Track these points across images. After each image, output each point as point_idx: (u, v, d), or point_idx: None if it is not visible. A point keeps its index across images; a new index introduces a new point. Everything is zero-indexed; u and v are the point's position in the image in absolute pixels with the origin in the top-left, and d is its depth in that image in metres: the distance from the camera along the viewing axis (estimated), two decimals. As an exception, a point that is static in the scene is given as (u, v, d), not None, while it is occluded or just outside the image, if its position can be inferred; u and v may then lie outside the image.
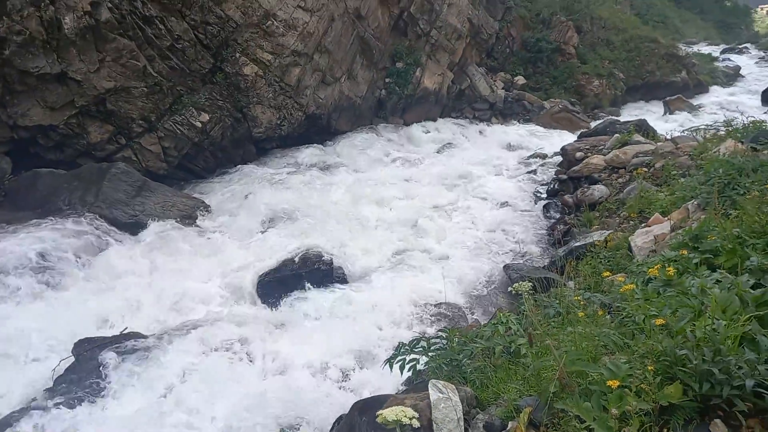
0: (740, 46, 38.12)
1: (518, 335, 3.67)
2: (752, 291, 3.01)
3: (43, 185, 9.90)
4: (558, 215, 10.56)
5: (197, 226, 9.95)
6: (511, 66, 22.32)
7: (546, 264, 8.41)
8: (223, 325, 6.70)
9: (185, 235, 9.37)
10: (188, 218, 10.16)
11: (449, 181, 13.29)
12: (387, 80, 18.18)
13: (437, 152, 16.48)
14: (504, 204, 11.91)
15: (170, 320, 7.04)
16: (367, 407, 3.01)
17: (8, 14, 9.55)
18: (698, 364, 2.31)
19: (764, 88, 21.52)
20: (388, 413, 1.58)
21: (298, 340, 6.50)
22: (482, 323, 5.81)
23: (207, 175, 13.01)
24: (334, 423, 3.93)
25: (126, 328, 6.61)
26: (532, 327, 3.66)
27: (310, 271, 8.16)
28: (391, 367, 3.56)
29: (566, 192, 11.06)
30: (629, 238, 6.40)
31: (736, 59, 32.84)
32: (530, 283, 3.41)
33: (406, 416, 1.59)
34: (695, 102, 22.12)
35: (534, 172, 13.95)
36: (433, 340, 3.66)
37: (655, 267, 3.92)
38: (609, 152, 10.89)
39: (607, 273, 4.73)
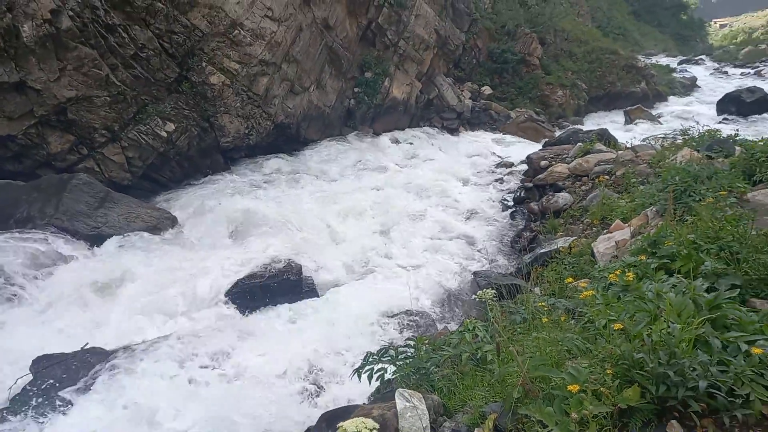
0: (696, 58, 39.75)
1: (485, 342, 3.72)
2: (706, 295, 3.13)
3: (0, 197, 9.55)
4: (524, 222, 10.76)
5: (163, 237, 9.76)
6: (478, 76, 22.71)
7: (513, 270, 8.55)
8: (189, 337, 6.57)
9: (150, 246, 9.18)
10: (153, 230, 9.95)
11: (418, 189, 13.39)
12: (356, 90, 18.26)
13: (406, 161, 16.59)
14: (472, 212, 12.06)
15: (134, 334, 6.86)
16: (335, 418, 3.00)
17: (-38, 21, 9.25)
18: (654, 367, 2.39)
19: (719, 98, 22.40)
20: (349, 425, 1.58)
21: (266, 351, 6.43)
22: (452, 330, 5.86)
23: (173, 185, 12.77)
24: (303, 435, 3.90)
25: (87, 344, 6.41)
26: (498, 334, 3.71)
27: (279, 282, 8.08)
28: (359, 376, 3.55)
29: (532, 200, 11.28)
30: (592, 244, 6.57)
31: (693, 70, 34.22)
32: (494, 291, 3.46)
33: (366, 427, 1.59)
34: (654, 111, 22.90)
35: (501, 180, 14.18)
36: (401, 349, 3.68)
37: (615, 272, 4.03)
38: (572, 161, 11.16)
39: (570, 279, 4.84)
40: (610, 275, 4.10)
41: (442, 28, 20.51)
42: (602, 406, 2.29)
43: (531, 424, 2.47)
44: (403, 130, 19.30)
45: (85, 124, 10.88)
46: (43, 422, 5.11)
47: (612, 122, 21.45)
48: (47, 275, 7.88)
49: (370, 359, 3.56)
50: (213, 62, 13.00)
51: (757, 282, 3.75)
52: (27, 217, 9.11)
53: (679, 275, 4.02)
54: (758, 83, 25.96)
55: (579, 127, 18.34)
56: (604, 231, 7.05)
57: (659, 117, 21.98)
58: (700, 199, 5.85)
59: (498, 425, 2.57)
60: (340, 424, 1.61)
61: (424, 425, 2.58)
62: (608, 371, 2.42)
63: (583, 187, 10.15)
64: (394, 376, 3.61)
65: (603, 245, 6.34)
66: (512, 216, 11.32)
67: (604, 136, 12.70)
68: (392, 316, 7.38)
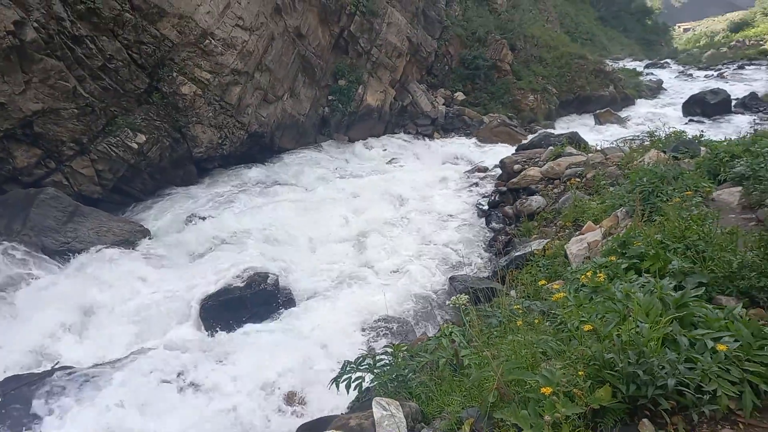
0: (662, 62, 40.85)
1: (462, 347, 3.74)
2: (673, 293, 3.21)
3: (-36, 214, 9.27)
4: (499, 226, 10.87)
5: (135, 251, 9.58)
6: (451, 82, 22.92)
7: (489, 274, 8.62)
8: (163, 354, 6.46)
9: (122, 261, 9.00)
10: (125, 243, 9.77)
11: (395, 196, 13.42)
12: (330, 98, 18.26)
13: (382, 168, 16.61)
14: (448, 217, 12.14)
15: (106, 351, 6.71)
16: (313, 430, 2.99)
17: None
18: (624, 366, 2.44)
19: (684, 100, 23.04)
20: (325, 436, 1.58)
21: (242, 364, 6.35)
22: (430, 336, 5.87)
23: (145, 197, 12.56)
24: (282, 447, 3.86)
25: (57, 363, 6.26)
26: (474, 338, 3.74)
27: (254, 293, 8.00)
28: (337, 386, 3.54)
29: (506, 203, 11.41)
30: (565, 246, 6.68)
31: (659, 73, 35.12)
32: (467, 296, 3.49)
33: (342, 438, 1.59)
34: (623, 114, 23.41)
35: (476, 184, 14.31)
36: (379, 357, 3.68)
37: (587, 274, 4.11)
38: (544, 164, 11.34)
39: (543, 281, 4.91)
40: (582, 276, 4.18)
41: (414, 36, 20.69)
42: (575, 407, 2.32)
43: (507, 427, 2.49)
44: (378, 137, 19.37)
45: (52, 137, 10.64)
46: (11, 446, 4.96)
47: (582, 125, 21.86)
48: (15, 293, 7.66)
49: (348, 368, 3.56)
50: (184, 72, 12.87)
51: (722, 279, 3.87)
52: (-7, 233, 8.85)
53: (648, 274, 4.13)
54: (721, 85, 26.78)
55: (550, 130, 18.65)
56: (577, 233, 7.18)
57: (628, 119, 22.49)
58: (667, 200, 5.99)
59: (474, 430, 2.59)
60: (314, 436, 1.60)
61: (401, 433, 2.59)
62: (580, 372, 2.46)
63: (556, 190, 10.32)
64: (372, 385, 3.61)
65: (575, 247, 6.45)
66: (487, 220, 11.43)
67: (575, 140, 12.95)
68: (371, 324, 7.37)
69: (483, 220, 11.66)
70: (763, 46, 41.58)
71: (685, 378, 2.46)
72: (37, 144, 10.60)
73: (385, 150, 18.22)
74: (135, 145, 11.84)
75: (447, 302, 4.05)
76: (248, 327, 7.54)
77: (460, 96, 22.36)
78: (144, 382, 5.93)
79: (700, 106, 21.38)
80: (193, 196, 12.54)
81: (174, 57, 12.68)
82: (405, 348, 3.86)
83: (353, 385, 3.49)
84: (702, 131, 12.54)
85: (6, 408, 5.45)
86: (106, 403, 5.47)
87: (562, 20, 39.02)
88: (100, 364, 6.19)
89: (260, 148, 15.71)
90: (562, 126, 22.06)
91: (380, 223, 11.49)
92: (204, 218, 10.96)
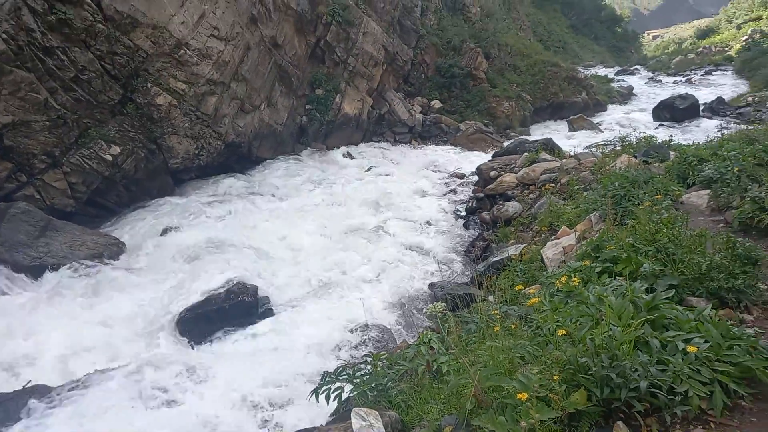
0: (632, 68, 41.82)
1: (441, 354, 3.77)
2: (645, 296, 3.29)
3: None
4: (477, 232, 10.98)
5: (110, 264, 9.41)
6: (427, 91, 23.12)
7: (468, 280, 8.68)
8: (141, 369, 6.33)
9: (97, 275, 8.82)
10: (100, 257, 9.59)
11: (374, 204, 13.45)
12: (307, 107, 18.26)
13: (360, 176, 16.64)
14: (427, 224, 12.21)
15: (81, 368, 6.55)
16: (293, 442, 2.97)
17: None
18: (598, 370, 2.49)
19: (654, 106, 23.61)
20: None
21: (221, 376, 6.27)
22: (410, 343, 5.89)
23: (121, 210, 12.36)
24: (262, 461, 3.82)
25: (29, 381, 6.09)
26: (452, 345, 3.77)
27: (233, 304, 7.92)
28: (317, 397, 3.53)
29: (484, 209, 11.54)
30: (541, 251, 6.78)
31: (629, 79, 35.94)
32: (444, 304, 3.52)
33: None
34: (595, 120, 23.88)
35: (454, 191, 14.44)
36: (358, 366, 3.68)
37: (562, 278, 4.18)
38: (520, 170, 11.51)
39: (520, 286, 4.97)
40: (557, 281, 4.26)
41: (390, 45, 20.84)
42: (551, 411, 2.36)
43: (485, 433, 2.51)
44: (356, 145, 19.41)
45: (23, 150, 10.41)
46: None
47: (556, 131, 22.23)
48: (-16, 311, 7.45)
49: (328, 379, 3.55)
50: (158, 83, 12.74)
51: (692, 281, 3.98)
52: (-40, 250, 8.61)
53: (621, 278, 4.22)
54: (690, 90, 27.54)
55: (525, 137, 18.92)
56: (552, 237, 7.29)
57: (600, 125, 22.95)
58: (638, 203, 6.14)
59: (454, 437, 2.61)
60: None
61: (381, 443, 2.59)
62: (555, 377, 2.50)
63: (531, 196, 10.47)
64: (352, 395, 3.61)
65: (551, 251, 6.55)
66: (465, 226, 11.53)
67: (549, 146, 13.17)
68: (351, 332, 7.36)
69: (461, 226, 11.76)
70: (728, 53, 42.91)
71: (657, 380, 2.51)
72: (8, 157, 10.36)
73: (363, 158, 18.27)
74: (109, 157, 11.65)
75: (424, 310, 4.07)
76: (227, 338, 7.46)
77: (436, 104, 22.57)
78: (119, 399, 5.81)
79: (669, 111, 21.93)
80: (170, 207, 12.38)
81: (148, 67, 12.54)
82: (384, 356, 3.86)
83: (333, 395, 3.48)
84: (671, 136, 12.88)
85: (-25, 430, 5.30)
86: (80, 420, 5.34)
87: (534, 29, 39.74)
88: (74, 383, 6.04)
89: (238, 158, 15.61)
90: (537, 132, 22.40)
91: (359, 231, 11.50)
92: (181, 230, 10.82)
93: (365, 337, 7.26)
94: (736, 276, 3.87)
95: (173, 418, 5.63)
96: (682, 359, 2.67)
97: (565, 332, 2.80)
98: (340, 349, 6.99)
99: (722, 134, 11.29)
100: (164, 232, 10.79)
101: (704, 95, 25.68)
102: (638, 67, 42.90)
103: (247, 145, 15.60)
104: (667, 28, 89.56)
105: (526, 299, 4.90)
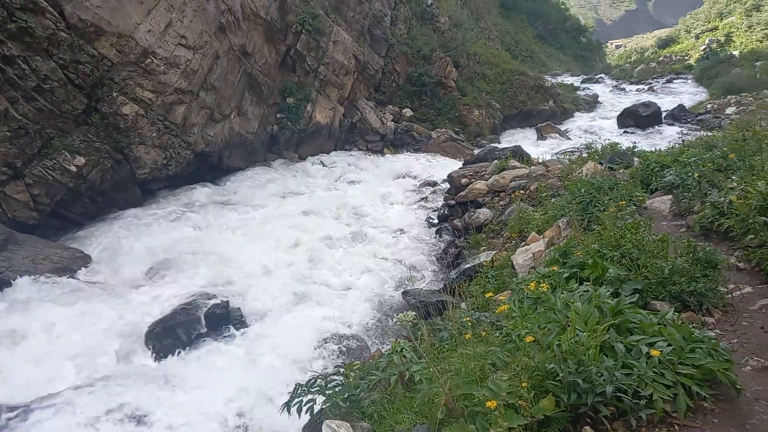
0: (597, 77, 42.94)
1: (413, 362, 3.77)
2: (610, 301, 3.36)
3: None
4: (449, 239, 11.06)
5: (75, 278, 9.14)
6: (399, 99, 23.28)
7: (441, 287, 8.73)
8: (109, 386, 6.16)
9: (61, 289, 8.56)
10: (64, 271, 9.31)
11: (346, 212, 13.44)
12: (278, 116, 18.16)
13: (333, 184, 16.62)
14: (400, 231, 12.25)
15: (44, 387, 6.33)
16: (265, 457, 2.93)
17: None
18: (565, 376, 2.53)
19: (619, 113, 24.28)
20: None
21: (191, 391, 6.15)
22: (383, 352, 5.88)
23: (87, 222, 12.03)
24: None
25: (-10, 403, 5.86)
26: (424, 353, 3.78)
27: (204, 317, 7.77)
28: (288, 410, 3.49)
29: (455, 216, 11.63)
30: (511, 257, 6.86)
31: (594, 88, 36.89)
32: (414, 313, 3.54)
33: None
34: (563, 127, 24.43)
35: (426, 199, 14.53)
36: (330, 378, 3.66)
37: (531, 285, 4.24)
38: (490, 177, 11.65)
39: (490, 293, 5.02)
40: (527, 287, 4.32)
41: (361, 54, 20.92)
42: (520, 418, 2.39)
43: (456, 442, 2.53)
44: (328, 153, 19.38)
45: (-19, 161, 10.07)
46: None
47: (525, 138, 22.64)
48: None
49: (300, 391, 3.52)
50: (125, 92, 12.49)
51: (655, 285, 4.09)
52: None
53: (588, 283, 4.31)
54: (652, 98, 28.43)
55: (495, 144, 19.21)
56: (522, 243, 7.39)
57: (567, 132, 23.47)
58: (604, 209, 6.28)
59: (425, 447, 2.61)
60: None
61: (353, 455, 2.58)
62: (524, 384, 2.54)
63: (501, 202, 10.61)
64: (324, 407, 3.58)
65: (521, 257, 6.65)
66: (438, 233, 11.61)
67: (518, 153, 13.39)
68: (324, 343, 7.31)
69: (433, 233, 11.83)
70: (688, 61, 44.47)
71: (623, 384, 2.57)
72: (-35, 169, 10.01)
73: (336, 166, 18.25)
74: (73, 168, 11.36)
75: (394, 320, 4.07)
76: (198, 351, 7.31)
77: (408, 112, 22.74)
78: (84, 418, 5.63)
79: (633, 118, 22.58)
80: (138, 218, 12.13)
81: (114, 76, 12.29)
82: (357, 367, 3.85)
83: (305, 408, 3.45)
84: (635, 142, 13.27)
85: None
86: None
87: (502, 38, 40.48)
88: (36, 403, 5.83)
89: (208, 168, 15.41)
90: (507, 139, 22.76)
91: (332, 240, 11.46)
92: (149, 241, 10.59)
93: (338, 347, 7.22)
94: (697, 279, 4.00)
95: (142, 436, 5.50)
96: (646, 363, 2.74)
97: (533, 339, 2.84)
98: (313, 359, 6.93)
99: (683, 141, 11.66)
100: (132, 243, 10.55)
101: (666, 103, 26.53)
102: (603, 75, 44.08)
103: (217, 155, 15.41)
104: (629, 38, 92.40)
105: (497, 306, 4.96)
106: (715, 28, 49.50)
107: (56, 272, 9.10)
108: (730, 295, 4.05)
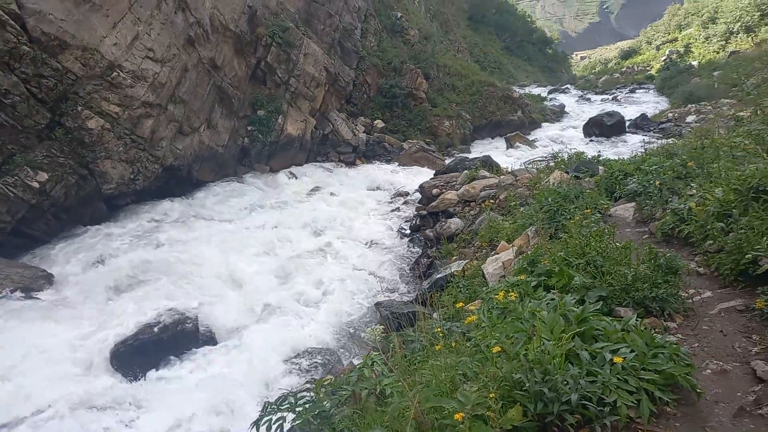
0: (563, 87, 43.99)
1: (384, 376, 3.76)
2: (575, 309, 3.43)
3: None
4: (422, 249, 11.11)
5: (37, 298, 8.85)
6: (370, 111, 23.41)
7: (414, 298, 8.75)
8: (74, 409, 5.96)
9: (22, 310, 8.27)
10: (26, 290, 9.02)
11: (319, 224, 13.37)
12: (249, 128, 18.03)
13: (305, 197, 16.54)
14: (372, 243, 12.25)
15: (5, 411, 6.09)
16: (233, 478, 2.88)
17: None
18: (531, 385, 2.56)
19: (584, 123, 24.88)
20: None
21: (159, 412, 6.00)
22: (357, 365, 5.84)
23: (50, 239, 11.67)
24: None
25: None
26: (395, 366, 3.78)
27: (172, 334, 7.60)
28: (258, 429, 3.44)
29: (427, 227, 11.71)
30: (482, 266, 6.94)
31: (561, 98, 37.78)
32: (382, 327, 3.54)
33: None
34: (531, 137, 24.90)
35: (398, 209, 14.59)
36: (300, 394, 3.62)
37: (500, 294, 4.29)
38: (461, 187, 11.79)
39: (461, 303, 5.05)
40: (496, 296, 4.37)
41: (332, 66, 20.99)
42: (489, 429, 2.40)
43: (426, 456, 2.53)
44: (300, 165, 19.31)
45: (-64, 179, 9.72)
46: None
47: (495, 148, 22.99)
48: None
49: (269, 409, 3.47)
50: (90, 106, 12.24)
51: (619, 291, 4.19)
52: None
53: (555, 291, 4.38)
54: (616, 108, 29.25)
55: (466, 155, 19.46)
56: (492, 252, 7.48)
57: (535, 142, 23.94)
58: (570, 217, 6.41)
59: (395, 461, 2.60)
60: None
61: (323, 472, 2.55)
62: (492, 394, 2.56)
63: (472, 212, 10.74)
64: (294, 424, 3.54)
65: (491, 266, 6.72)
66: (410, 244, 11.66)
67: (488, 163, 13.58)
68: (296, 358, 7.23)
69: (406, 244, 11.87)
70: (649, 72, 45.94)
71: (587, 392, 2.61)
72: None
73: (308, 179, 18.18)
74: (36, 184, 11.04)
75: (362, 335, 4.06)
76: (166, 370, 7.14)
77: (379, 124, 22.86)
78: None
79: (598, 128, 23.16)
80: (104, 235, 11.84)
81: (78, 90, 12.04)
82: (328, 382, 3.82)
83: (274, 426, 3.41)
84: (599, 151, 13.62)
85: None
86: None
87: (471, 50, 41.17)
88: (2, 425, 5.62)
89: (177, 182, 15.17)
90: (477, 149, 23.07)
91: (304, 253, 11.39)
92: (115, 257, 10.35)
93: (310, 361, 7.15)
94: (659, 285, 4.11)
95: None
96: (610, 370, 2.79)
97: (500, 349, 2.87)
98: (284, 375, 6.84)
99: (645, 149, 12.00)
100: (97, 261, 10.30)
101: (629, 112, 27.31)
102: (569, 86, 45.17)
103: (186, 168, 15.20)
104: (593, 50, 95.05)
105: (468, 316, 4.99)
106: (675, 40, 51.34)
107: (18, 292, 8.80)
108: (690, 300, 4.16)
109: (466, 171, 12.75)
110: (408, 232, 12.59)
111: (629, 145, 19.50)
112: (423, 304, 7.22)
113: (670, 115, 25.24)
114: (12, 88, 10.75)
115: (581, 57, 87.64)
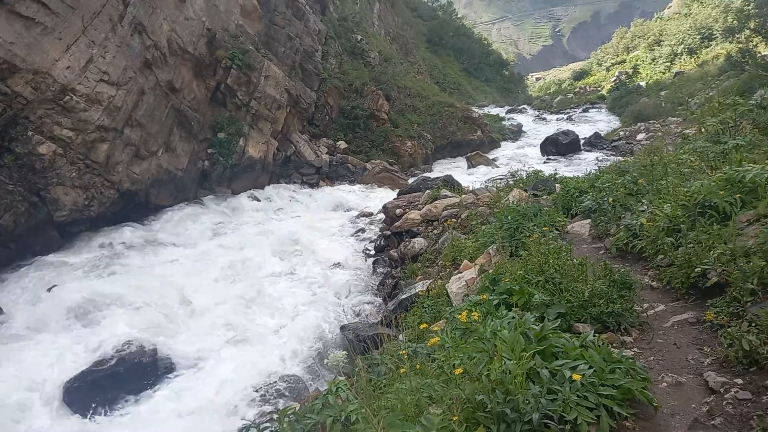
0: (520, 107, 45.23)
1: (349, 402, 3.72)
2: (535, 327, 3.48)
3: None
4: (386, 270, 11.11)
5: (-17, 333, 8.39)
6: (333, 132, 23.48)
7: (379, 320, 8.71)
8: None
9: (-34, 347, 7.82)
10: (-30, 326, 8.54)
11: (282, 247, 13.20)
12: (210, 151, 17.77)
13: (268, 219, 16.34)
14: (337, 265, 12.16)
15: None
16: None
17: None
18: (494, 406, 2.58)
19: (541, 142, 25.62)
20: None
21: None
22: (322, 391, 5.74)
23: (-3, 270, 11.14)
24: None
25: None
26: (361, 390, 3.74)
27: (129, 367, 7.31)
28: (220, 463, 3.34)
29: (392, 247, 11.73)
30: (446, 286, 6.97)
31: (518, 118, 38.83)
32: (345, 353, 3.51)
33: None
34: (491, 156, 25.44)
35: (362, 230, 14.58)
36: (264, 426, 3.53)
37: (463, 313, 4.32)
38: (423, 207, 11.89)
39: (425, 324, 5.05)
40: (459, 315, 4.39)
41: (293, 88, 21.01)
42: (453, 452, 2.40)
43: (391, 483, 2.50)
44: (262, 188, 19.11)
45: None
46: None
47: (457, 167, 23.38)
48: None
49: (231, 442, 3.37)
50: (41, 131, 11.85)
51: (577, 308, 4.28)
52: None
53: (516, 309, 4.44)
54: (571, 126, 30.27)
55: (428, 174, 19.69)
56: (456, 271, 7.53)
57: (496, 160, 24.46)
58: (529, 235, 6.54)
59: (361, 490, 2.56)
60: None
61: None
62: (455, 417, 2.56)
63: (435, 231, 10.83)
64: (258, 456, 3.45)
65: (455, 285, 6.76)
66: (375, 264, 11.64)
67: (449, 182, 13.78)
68: (261, 386, 7.05)
69: (371, 265, 11.84)
70: (601, 92, 47.79)
71: (549, 410, 2.64)
72: None
73: (271, 201, 18.01)
74: (-19, 213, 10.56)
75: (325, 361, 4.01)
76: (123, 406, 6.85)
77: (342, 144, 22.93)
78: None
79: (554, 146, 23.88)
80: (56, 264, 11.36)
81: (29, 115, 11.65)
82: (292, 411, 3.75)
83: (237, 459, 3.31)
84: (556, 170, 14.01)
85: None
86: None
87: (431, 72, 42.00)
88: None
89: (135, 207, 14.76)
90: (439, 169, 23.39)
91: (267, 277, 11.21)
92: (68, 288, 9.92)
93: (276, 389, 6.98)
94: (615, 301, 4.23)
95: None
96: (570, 387, 2.83)
97: (462, 370, 2.89)
98: (248, 405, 6.65)
99: (599, 167, 12.44)
100: (48, 291, 9.86)
101: (584, 131, 28.27)
102: (525, 106, 46.48)
103: (144, 193, 14.83)
104: (547, 71, 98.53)
105: (432, 336, 4.99)
106: (624, 61, 53.66)
107: (-39, 327, 8.33)
108: (645, 314, 4.29)
109: (428, 191, 12.89)
110: (372, 252, 12.57)
111: (584, 163, 20.15)
112: (388, 325, 7.19)
113: (622, 133, 26.26)
114: (-44, 114, 10.32)
115: (536, 78, 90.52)
